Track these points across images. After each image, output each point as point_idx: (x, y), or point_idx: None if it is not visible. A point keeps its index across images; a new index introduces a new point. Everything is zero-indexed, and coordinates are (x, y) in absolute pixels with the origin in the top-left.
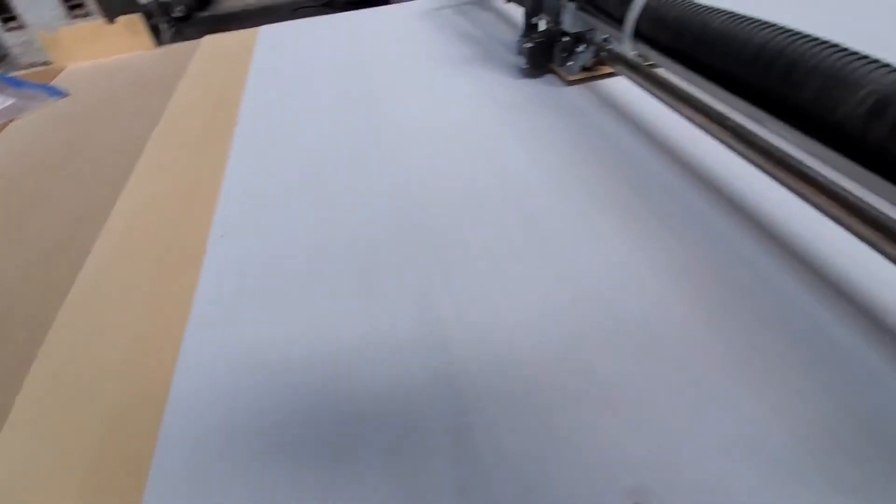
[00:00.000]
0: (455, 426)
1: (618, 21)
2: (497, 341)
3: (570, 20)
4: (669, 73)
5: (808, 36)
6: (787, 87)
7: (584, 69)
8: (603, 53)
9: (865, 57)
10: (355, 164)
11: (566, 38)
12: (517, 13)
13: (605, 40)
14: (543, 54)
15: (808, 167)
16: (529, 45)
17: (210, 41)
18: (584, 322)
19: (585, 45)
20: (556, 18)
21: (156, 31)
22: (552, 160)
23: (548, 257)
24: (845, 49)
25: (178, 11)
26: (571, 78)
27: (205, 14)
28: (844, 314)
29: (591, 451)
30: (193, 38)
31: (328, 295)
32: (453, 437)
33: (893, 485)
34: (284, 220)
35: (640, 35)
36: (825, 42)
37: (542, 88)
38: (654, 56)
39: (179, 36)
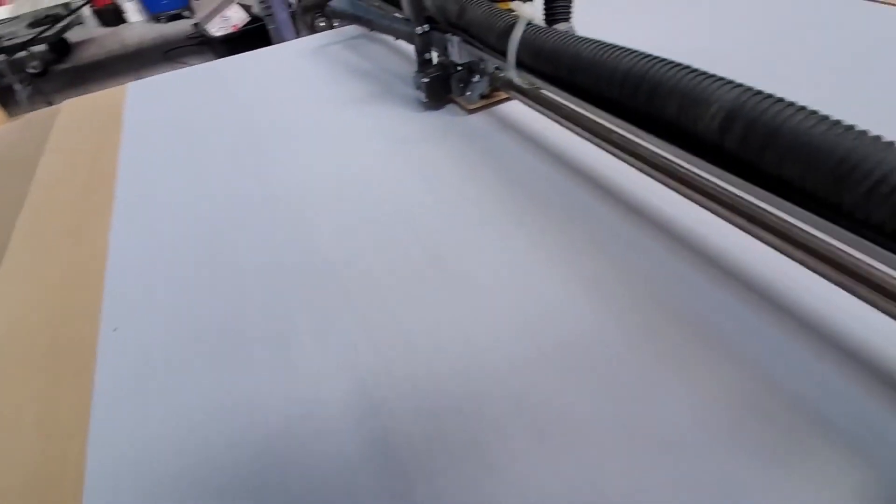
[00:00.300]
0: (399, 491)
1: (501, 53)
2: (426, 390)
3: (458, 52)
4: (554, 93)
5: (664, 60)
6: (654, 106)
7: (483, 97)
8: (496, 81)
9: (712, 76)
10: (251, 225)
11: (460, 70)
12: (408, 46)
13: (498, 68)
14: (441, 86)
15: (685, 169)
16: (426, 79)
17: (72, 105)
18: (505, 349)
19: (479, 76)
20: (444, 52)
21: (8, 94)
22: (466, 187)
23: (458, 293)
24: (695, 70)
25: (32, 67)
26: (472, 106)
27: (64, 66)
28: (726, 293)
29: (529, 482)
30: (53, 94)
31: (243, 370)
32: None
33: (794, 436)
34: (181, 297)
35: (522, 65)
36: (679, 64)
37: (446, 119)
38: (539, 83)
39: (38, 95)
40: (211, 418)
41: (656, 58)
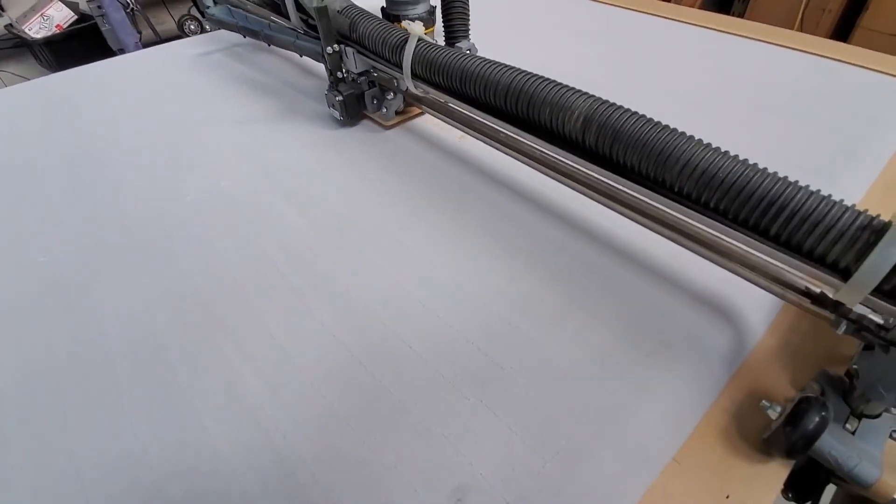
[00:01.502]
0: None
1: (395, 65)
2: (311, 405)
3: (353, 62)
4: (456, 105)
5: (537, 76)
6: (531, 113)
7: (398, 113)
8: (409, 98)
9: (573, 89)
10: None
11: (374, 88)
12: (295, 56)
13: (417, 87)
14: (356, 104)
15: (556, 159)
16: (340, 98)
17: None
18: (384, 344)
19: (394, 93)
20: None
21: None
22: (382, 199)
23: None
24: (561, 84)
25: None
26: (389, 123)
27: None
28: (594, 253)
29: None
30: None
31: (120, 423)
32: None
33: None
34: (35, 354)
35: (416, 76)
36: (548, 80)
37: (366, 136)
38: (433, 93)
39: None
40: (89, 477)
41: (531, 74)
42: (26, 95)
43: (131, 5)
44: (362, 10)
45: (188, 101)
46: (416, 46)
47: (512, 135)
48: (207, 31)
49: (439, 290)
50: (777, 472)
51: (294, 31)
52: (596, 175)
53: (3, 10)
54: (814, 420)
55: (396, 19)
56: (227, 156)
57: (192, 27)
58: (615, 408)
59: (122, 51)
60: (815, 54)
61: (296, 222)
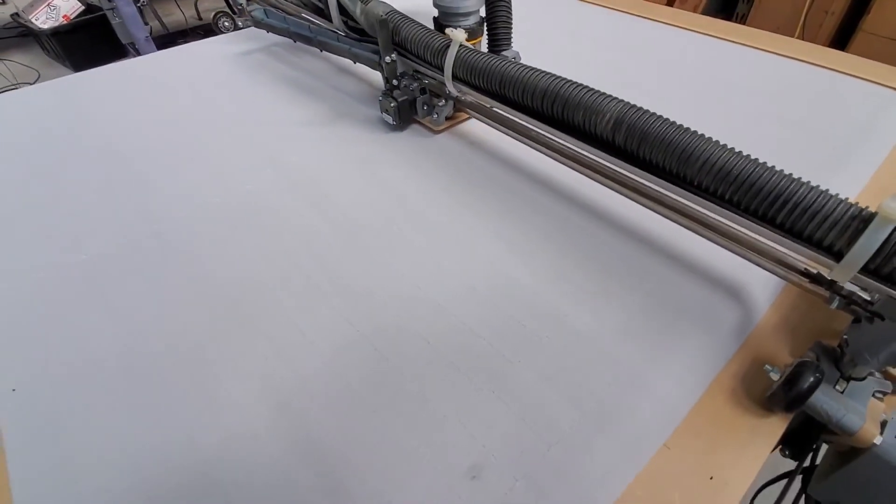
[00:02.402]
0: (332, 486)
1: (437, 67)
2: (339, 390)
3: (400, 66)
4: (501, 110)
5: (572, 81)
6: (565, 114)
7: (447, 118)
8: (459, 104)
9: (604, 94)
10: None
11: (425, 94)
12: (335, 58)
13: (461, 93)
14: (409, 109)
15: (594, 161)
16: (395, 103)
17: None
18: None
19: (445, 99)
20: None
21: None
22: (448, 197)
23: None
24: (593, 89)
25: None
26: (439, 128)
27: None
28: (620, 241)
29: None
30: None
31: (163, 410)
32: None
33: (678, 328)
34: (79, 348)
35: (457, 78)
36: (582, 85)
37: (416, 139)
38: (475, 95)
39: None
40: (138, 460)
41: (566, 79)
42: (56, 92)
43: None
44: (404, 16)
45: (242, 103)
46: (458, 51)
47: (552, 137)
48: (241, 28)
49: (455, 289)
50: (775, 426)
51: (336, 34)
52: (623, 171)
53: None
54: (809, 380)
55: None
56: (282, 156)
57: (226, 24)
58: (632, 375)
59: (131, 44)
60: (810, 63)
61: (355, 219)
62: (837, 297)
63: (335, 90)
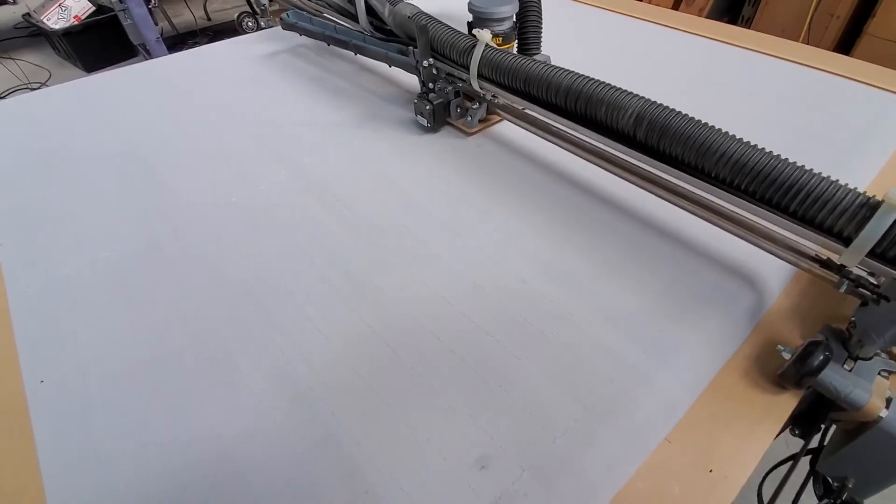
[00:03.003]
0: (348, 473)
1: (462, 66)
2: (358, 385)
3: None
4: (533, 112)
5: (594, 79)
6: (588, 111)
7: (480, 121)
8: (492, 106)
9: (625, 90)
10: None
11: (459, 97)
12: (372, 62)
13: (494, 96)
14: (443, 112)
15: (615, 155)
16: (430, 106)
17: None
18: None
19: (479, 102)
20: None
21: None
22: (480, 196)
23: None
24: (614, 86)
25: None
26: (472, 130)
27: None
28: (639, 230)
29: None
30: None
31: (188, 400)
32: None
33: (695, 311)
34: (104, 340)
35: (482, 76)
36: (604, 82)
37: (450, 141)
38: (497, 92)
39: None
40: (163, 450)
41: (587, 77)
42: (77, 93)
43: (153, 1)
44: (431, 17)
45: (276, 104)
46: (484, 51)
47: (581, 136)
48: (263, 29)
49: (463, 287)
50: (786, 401)
51: (363, 35)
52: (642, 164)
53: None
54: (819, 357)
55: None
56: (313, 157)
57: (249, 24)
58: (650, 355)
59: (142, 45)
60: (813, 67)
61: (400, 219)
62: (846, 281)
63: (365, 91)
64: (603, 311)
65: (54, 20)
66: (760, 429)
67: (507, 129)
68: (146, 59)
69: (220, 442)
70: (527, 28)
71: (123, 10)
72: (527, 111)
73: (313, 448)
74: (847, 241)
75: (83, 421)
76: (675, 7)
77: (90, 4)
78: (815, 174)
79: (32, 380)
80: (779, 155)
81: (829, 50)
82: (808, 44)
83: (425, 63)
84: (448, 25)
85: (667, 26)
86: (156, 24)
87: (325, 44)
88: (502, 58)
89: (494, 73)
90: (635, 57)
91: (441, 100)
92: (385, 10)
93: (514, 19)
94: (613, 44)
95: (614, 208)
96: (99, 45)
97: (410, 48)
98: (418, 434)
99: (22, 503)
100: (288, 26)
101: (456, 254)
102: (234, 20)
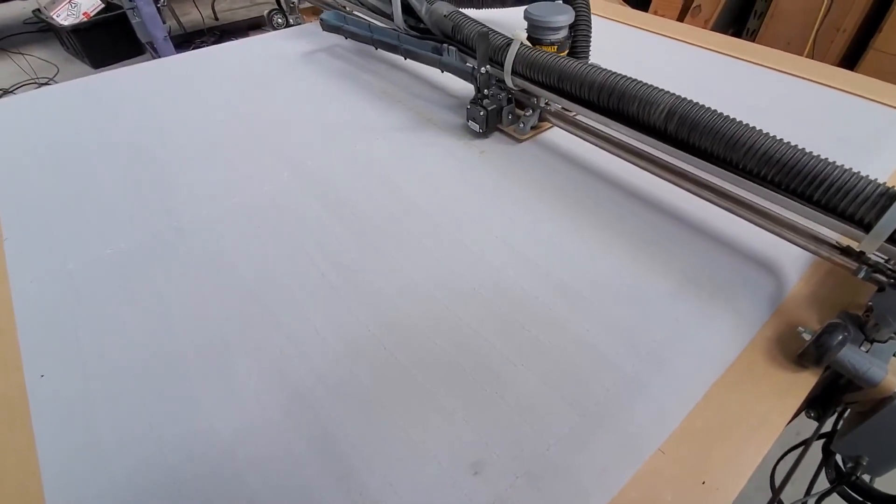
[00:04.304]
0: (342, 472)
1: (497, 63)
2: (355, 388)
3: (455, 58)
4: (584, 118)
5: (626, 76)
6: (621, 106)
7: (532, 127)
8: (544, 113)
9: (656, 87)
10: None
11: (511, 104)
12: (413, 64)
13: (547, 103)
14: (496, 118)
15: (646, 152)
16: (484, 112)
17: None
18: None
19: (532, 109)
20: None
21: None
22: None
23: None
24: (645, 83)
25: None
26: (523, 137)
27: None
28: (669, 222)
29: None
30: None
31: (188, 396)
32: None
33: (718, 295)
34: (106, 336)
35: (516, 73)
36: (635, 79)
37: (501, 147)
38: (530, 88)
39: None
40: (162, 446)
41: (620, 74)
42: (84, 89)
43: (161, 1)
44: (466, 16)
45: (318, 106)
46: (519, 49)
47: (626, 139)
48: (293, 25)
49: (462, 291)
50: (805, 380)
51: (397, 33)
52: (672, 158)
53: None
54: (838, 337)
55: (539, 42)
56: (393, 163)
57: (278, 20)
58: (670, 336)
59: (150, 44)
60: (816, 82)
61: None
62: (865, 267)
63: (414, 95)
64: (601, 320)
65: (64, 16)
66: (741, 458)
67: (559, 136)
68: (153, 58)
69: (219, 439)
70: (577, 36)
71: (132, 7)
72: (579, 118)
73: (309, 447)
74: (868, 228)
75: (83, 416)
76: (681, 19)
77: (100, 2)
78: (837, 166)
79: (33, 374)
80: (803, 148)
81: (834, 64)
82: (813, 57)
83: (483, 70)
84: (483, 24)
85: (672, 38)
86: (164, 23)
87: (349, 41)
88: (537, 55)
89: (529, 70)
90: (639, 68)
91: (494, 106)
92: (422, 9)
93: (569, 29)
94: (617, 54)
95: (644, 202)
96: (107, 42)
97: (445, 45)
98: (414, 437)
99: (21, 497)
100: (330, 28)
101: (453, 256)
102: (262, 16)
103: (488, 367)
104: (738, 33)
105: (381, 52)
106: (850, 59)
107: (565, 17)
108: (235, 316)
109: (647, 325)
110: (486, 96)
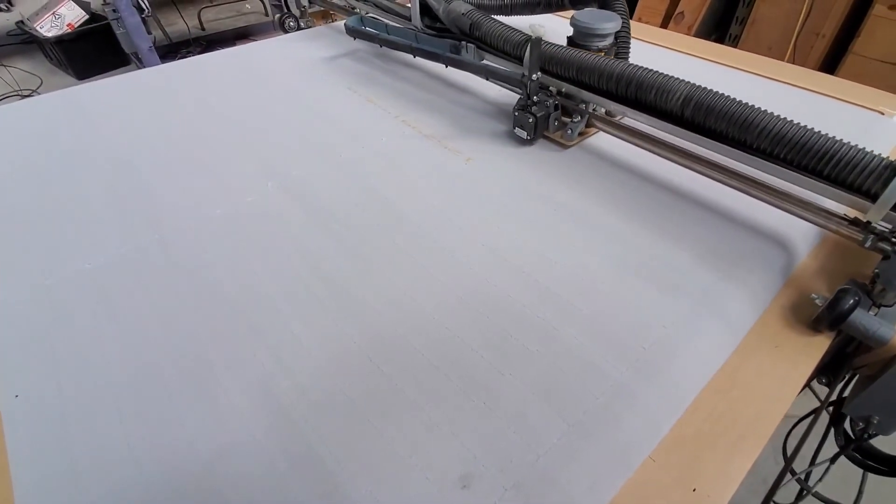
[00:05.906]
0: (327, 490)
1: (515, 58)
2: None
3: (473, 55)
4: (630, 122)
5: (642, 66)
6: (640, 95)
7: (579, 134)
8: (592, 118)
9: (672, 76)
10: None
11: (557, 111)
12: (444, 70)
13: (594, 110)
14: (543, 125)
15: (669, 140)
16: (533, 119)
17: None
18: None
19: (580, 115)
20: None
21: None
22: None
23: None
24: (661, 72)
25: None
26: (570, 143)
27: None
28: (687, 205)
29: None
30: None
31: (166, 415)
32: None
33: (734, 271)
34: (84, 355)
35: (546, 72)
36: (651, 69)
37: (548, 153)
38: (551, 81)
39: None
40: (141, 466)
41: (636, 65)
42: (66, 101)
43: (147, 10)
44: (485, 14)
45: (307, 115)
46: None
47: (670, 138)
48: (304, 28)
49: (447, 302)
50: (819, 343)
51: (415, 34)
52: (689, 142)
53: (11, 5)
54: (850, 301)
55: (585, 48)
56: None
57: (291, 24)
58: (687, 314)
59: (135, 54)
60: (797, 86)
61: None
62: (871, 236)
63: (454, 103)
64: (590, 328)
65: (48, 28)
66: (731, 465)
67: (605, 141)
68: (138, 68)
69: (199, 457)
70: (619, 44)
71: (117, 18)
72: (625, 121)
73: (294, 464)
74: (874, 198)
75: (59, 437)
76: (664, 25)
77: (84, 13)
78: (845, 143)
79: (7, 394)
80: (812, 128)
81: (814, 68)
82: (794, 62)
83: (534, 76)
84: (501, 22)
85: (656, 44)
86: (149, 33)
87: (347, 45)
88: (556, 49)
89: (548, 63)
90: None
91: (543, 113)
92: (441, 8)
93: (615, 37)
94: None
95: (666, 189)
96: (91, 53)
97: (464, 43)
98: (400, 451)
99: None
100: (355, 34)
101: (440, 267)
102: (273, 21)
103: (475, 377)
104: (720, 39)
105: (379, 57)
106: (830, 64)
107: (613, 24)
108: (218, 330)
109: (640, 330)
110: (535, 103)
